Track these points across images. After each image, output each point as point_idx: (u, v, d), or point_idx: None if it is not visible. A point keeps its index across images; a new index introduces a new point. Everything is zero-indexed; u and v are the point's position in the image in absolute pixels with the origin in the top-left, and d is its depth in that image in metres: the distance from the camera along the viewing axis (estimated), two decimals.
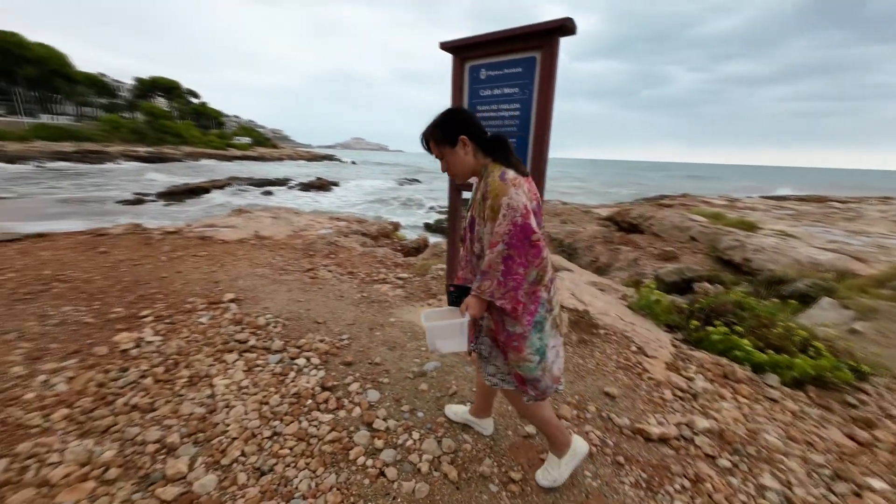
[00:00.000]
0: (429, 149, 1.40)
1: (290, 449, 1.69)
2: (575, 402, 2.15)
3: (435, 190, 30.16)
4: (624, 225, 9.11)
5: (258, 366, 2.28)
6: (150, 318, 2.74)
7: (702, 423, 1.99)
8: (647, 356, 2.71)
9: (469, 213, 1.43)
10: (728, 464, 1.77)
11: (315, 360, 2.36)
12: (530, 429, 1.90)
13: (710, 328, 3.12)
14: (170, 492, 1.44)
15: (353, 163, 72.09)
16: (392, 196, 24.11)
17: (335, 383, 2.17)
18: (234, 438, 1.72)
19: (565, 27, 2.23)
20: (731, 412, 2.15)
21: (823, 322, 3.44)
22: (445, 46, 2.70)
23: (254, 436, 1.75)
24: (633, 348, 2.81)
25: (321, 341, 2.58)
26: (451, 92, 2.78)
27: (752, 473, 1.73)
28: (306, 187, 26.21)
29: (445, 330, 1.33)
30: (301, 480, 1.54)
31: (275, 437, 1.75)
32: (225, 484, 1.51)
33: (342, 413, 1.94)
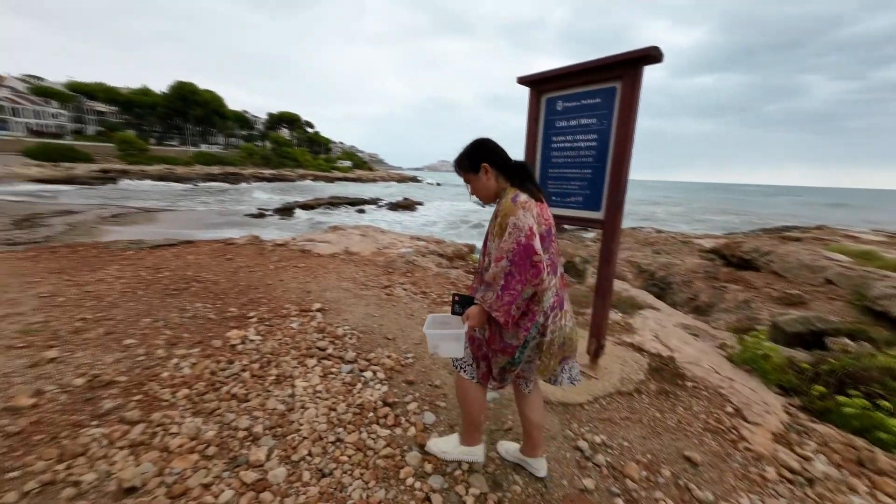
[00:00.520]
0: (459, 174, 1.56)
1: (349, 457, 1.82)
2: (646, 461, 1.92)
3: None
4: (733, 260, 7.87)
5: (332, 373, 2.52)
6: (254, 319, 3.23)
7: None
8: (746, 421, 2.30)
9: (486, 230, 1.56)
10: None
11: (381, 375, 2.52)
12: (588, 482, 1.75)
13: (843, 398, 2.52)
14: (250, 476, 1.67)
15: (438, 184, 75.48)
16: (465, 219, 24.39)
17: (396, 400, 2.28)
18: (305, 438, 1.92)
19: (650, 56, 2.14)
20: None
21: None
22: (523, 81, 2.75)
23: (320, 438, 1.93)
24: (729, 409, 2.41)
25: (388, 357, 2.75)
26: (527, 124, 2.80)
27: None
28: (394, 206, 28.32)
29: (444, 337, 1.50)
30: (354, 489, 1.65)
31: (337, 443, 1.91)
32: (292, 478, 1.69)
33: (398, 430, 2.04)
